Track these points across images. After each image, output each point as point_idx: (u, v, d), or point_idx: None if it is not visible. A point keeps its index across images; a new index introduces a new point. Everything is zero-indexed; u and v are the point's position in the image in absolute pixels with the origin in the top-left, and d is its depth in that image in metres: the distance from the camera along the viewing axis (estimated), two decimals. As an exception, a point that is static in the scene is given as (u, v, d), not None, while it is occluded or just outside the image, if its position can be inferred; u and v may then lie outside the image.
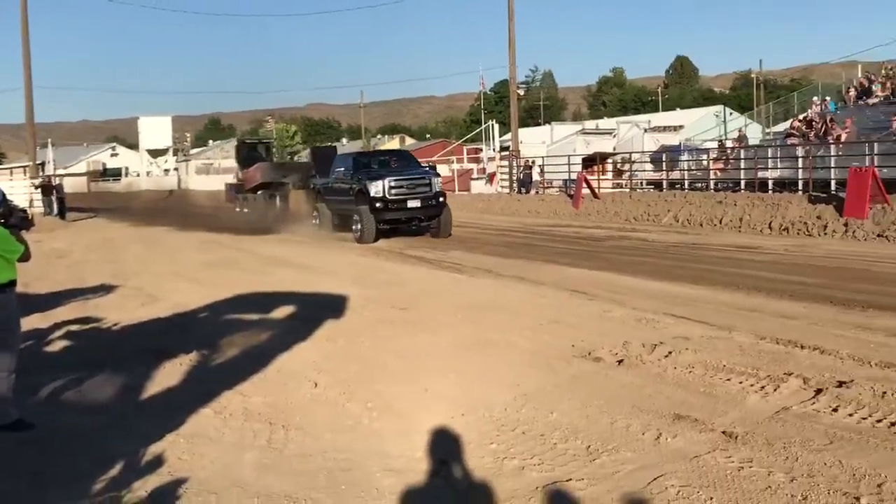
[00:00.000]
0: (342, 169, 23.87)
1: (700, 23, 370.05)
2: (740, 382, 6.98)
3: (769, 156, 29.03)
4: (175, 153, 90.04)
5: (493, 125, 47.67)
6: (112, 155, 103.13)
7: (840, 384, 6.75)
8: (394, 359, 8.19)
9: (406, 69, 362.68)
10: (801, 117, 33.30)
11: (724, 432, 5.73)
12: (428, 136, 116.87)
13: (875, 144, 24.95)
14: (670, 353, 8.02)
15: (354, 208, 22.21)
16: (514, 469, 5.21)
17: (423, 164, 25.96)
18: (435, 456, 5.42)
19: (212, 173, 76.83)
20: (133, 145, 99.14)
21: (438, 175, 25.13)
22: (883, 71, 35.17)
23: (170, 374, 7.87)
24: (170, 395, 7.26)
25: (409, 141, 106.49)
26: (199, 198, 49.27)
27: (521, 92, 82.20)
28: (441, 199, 22.70)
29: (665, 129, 45.94)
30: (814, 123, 30.79)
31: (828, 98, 34.95)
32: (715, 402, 6.50)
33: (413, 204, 22.10)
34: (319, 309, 10.72)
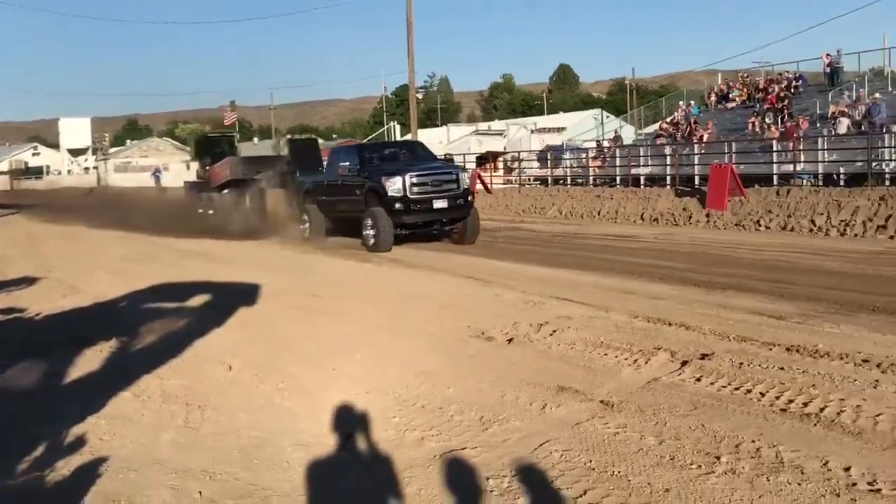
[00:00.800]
0: (346, 164, 18.42)
1: (580, 34, 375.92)
2: (616, 357, 7.11)
3: (641, 154, 29.71)
4: (94, 152, 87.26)
5: (394, 126, 47.65)
6: (34, 154, 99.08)
7: (703, 356, 6.95)
8: (304, 343, 8.09)
9: (315, 74, 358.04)
10: (668, 120, 34.20)
11: (601, 401, 5.84)
12: (334, 136, 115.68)
13: (733, 144, 25.79)
14: (555, 331, 8.13)
15: (364, 210, 17.23)
16: (414, 440, 5.21)
17: (438, 157, 21.18)
18: (341, 431, 5.38)
19: (129, 171, 75.12)
20: (54, 145, 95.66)
21: (465, 170, 21.15)
22: (740, 78, 36.22)
23: (90, 361, 7.60)
24: (91, 380, 7.03)
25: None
26: (126, 194, 47.38)
27: (420, 96, 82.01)
28: (469, 198, 17.87)
29: (550, 130, 46.67)
30: (680, 125, 31.63)
31: (692, 102, 35.84)
32: (594, 374, 6.61)
33: (440, 204, 17.03)
34: (235, 297, 10.51)
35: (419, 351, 7.55)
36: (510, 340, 7.92)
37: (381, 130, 58.11)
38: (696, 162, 26.11)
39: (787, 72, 33.13)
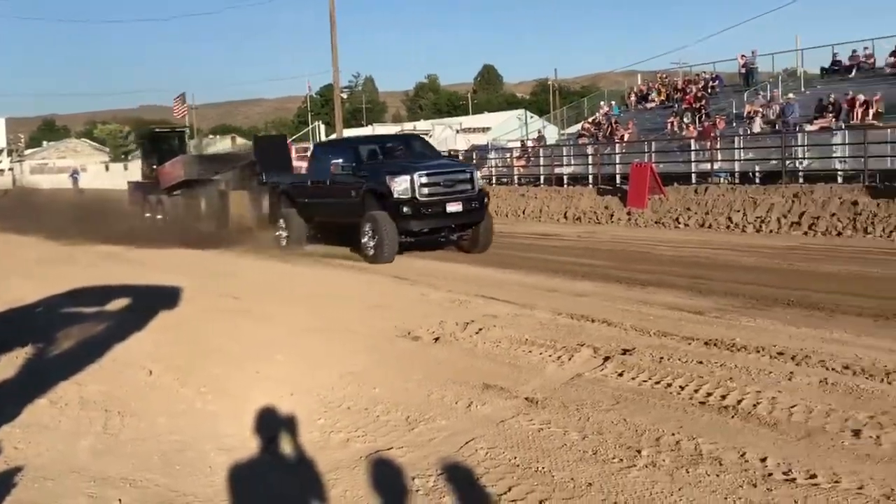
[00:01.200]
0: (340, 161, 15.57)
1: (503, 35, 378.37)
2: (540, 354, 7.18)
3: (564, 154, 29.93)
4: (9, 154, 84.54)
5: (319, 126, 47.19)
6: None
7: (624, 352, 7.06)
8: (227, 345, 7.95)
9: (238, 73, 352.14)
10: (590, 120, 34.56)
11: (526, 398, 5.89)
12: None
13: (653, 143, 26.20)
14: (480, 329, 8.17)
15: (362, 214, 14.82)
16: (339, 442, 5.17)
17: (442, 154, 18.92)
18: (265, 434, 5.30)
19: (46, 172, 73.13)
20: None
21: (477, 168, 18.38)
22: (658, 79, 36.81)
23: (5, 368, 7.35)
24: (5, 387, 6.78)
25: (240, 140, 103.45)
26: (43, 195, 45.12)
27: (345, 96, 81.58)
28: (485, 200, 15.64)
29: (475, 130, 46.93)
30: (601, 125, 32.01)
31: (613, 103, 36.27)
32: (519, 371, 6.66)
33: (453, 208, 14.73)
34: (155, 300, 10.28)
35: (345, 352, 7.50)
36: (436, 339, 7.93)
37: (305, 130, 57.58)
38: (617, 161, 26.44)
39: (704, 72, 33.80)
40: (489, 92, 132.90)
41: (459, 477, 4.56)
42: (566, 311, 8.99)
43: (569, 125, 39.04)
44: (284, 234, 17.30)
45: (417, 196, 14.40)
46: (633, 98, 36.33)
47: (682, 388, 5.97)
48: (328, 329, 8.59)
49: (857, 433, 4.92)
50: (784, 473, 4.39)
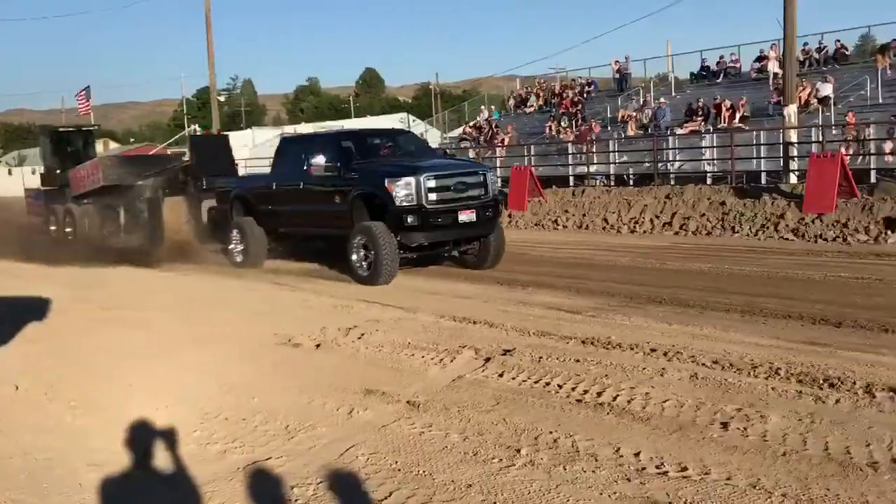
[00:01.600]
0: (321, 159, 12.57)
1: (385, 39, 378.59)
2: (423, 357, 7.18)
3: (446, 157, 30.18)
4: None
5: (196, 129, 46.07)
6: None
7: (505, 352, 7.14)
8: (99, 357, 7.64)
9: (112, 76, 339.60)
10: (471, 124, 34.92)
11: (408, 402, 5.87)
12: (132, 139, 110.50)
13: (532, 147, 26.71)
14: (363, 335, 8.13)
15: (351, 225, 12.28)
16: (216, 453, 5.03)
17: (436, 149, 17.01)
18: (138, 448, 5.11)
19: None
20: None
21: (490, 169, 15.55)
22: (537, 84, 37.52)
23: None
24: None
25: (113, 145, 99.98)
26: None
27: (223, 98, 79.80)
28: (499, 207, 13.45)
29: (357, 133, 46.35)
30: (482, 129, 32.40)
31: (493, 107, 36.81)
32: (401, 375, 6.64)
33: (466, 217, 12.18)
34: (23, 312, 9.79)
35: (222, 361, 7.32)
36: (318, 346, 7.85)
37: (181, 133, 56.27)
38: (497, 165, 26.83)
39: (580, 78, 34.68)
40: (371, 95, 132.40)
41: (340, 484, 4.51)
42: (449, 313, 9.04)
43: (451, 129, 39.34)
44: (239, 247, 14.63)
45: (425, 203, 11.87)
46: (512, 102, 36.90)
47: (560, 386, 6.08)
48: (206, 338, 8.37)
49: (725, 425, 5.10)
50: (657, 467, 4.51)
